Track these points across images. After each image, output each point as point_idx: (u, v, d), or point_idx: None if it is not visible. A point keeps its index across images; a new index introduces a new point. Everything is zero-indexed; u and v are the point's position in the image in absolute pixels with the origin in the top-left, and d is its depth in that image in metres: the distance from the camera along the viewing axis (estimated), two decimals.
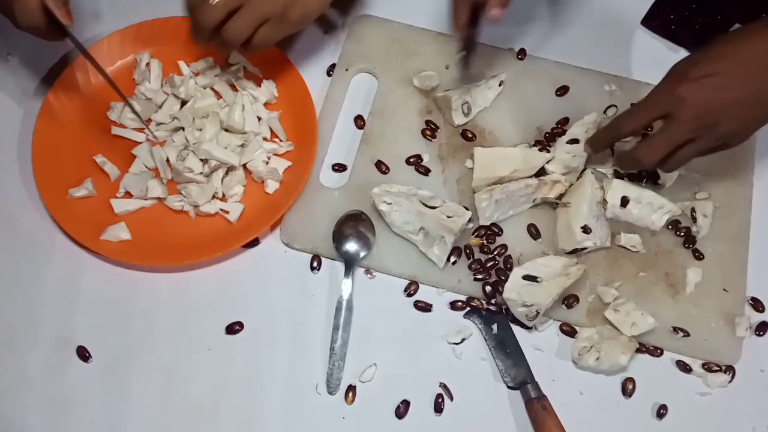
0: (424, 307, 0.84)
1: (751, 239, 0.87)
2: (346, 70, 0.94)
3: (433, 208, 0.83)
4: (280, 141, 0.90)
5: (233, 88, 0.92)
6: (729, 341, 0.83)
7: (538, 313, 0.79)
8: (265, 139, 0.90)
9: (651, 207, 0.86)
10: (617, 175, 0.88)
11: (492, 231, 0.86)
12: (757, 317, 0.85)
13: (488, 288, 0.84)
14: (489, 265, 0.85)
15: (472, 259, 0.85)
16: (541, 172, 0.87)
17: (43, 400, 0.80)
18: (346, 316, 0.82)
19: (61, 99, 0.90)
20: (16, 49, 0.96)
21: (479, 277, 0.84)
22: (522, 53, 0.95)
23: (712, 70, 0.72)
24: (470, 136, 0.91)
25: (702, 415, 0.81)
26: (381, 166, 0.89)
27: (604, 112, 0.92)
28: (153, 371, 0.81)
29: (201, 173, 0.86)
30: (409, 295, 0.84)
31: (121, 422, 0.79)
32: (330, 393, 0.81)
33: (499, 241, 0.86)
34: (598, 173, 0.89)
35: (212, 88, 0.92)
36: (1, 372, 0.81)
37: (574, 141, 0.88)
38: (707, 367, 0.82)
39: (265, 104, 0.92)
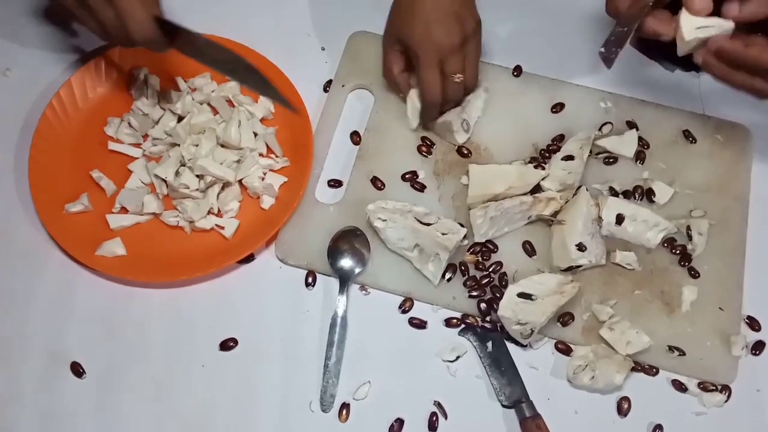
0: (418, 324, 0.84)
1: (747, 257, 0.87)
2: (343, 86, 0.94)
3: (428, 225, 0.83)
4: (276, 157, 0.91)
5: (230, 103, 0.92)
6: (725, 360, 0.82)
7: (533, 331, 0.79)
8: (261, 154, 0.90)
9: (646, 224, 0.86)
10: (612, 193, 0.88)
11: (487, 248, 0.86)
12: (754, 336, 0.84)
13: (483, 305, 0.83)
14: (484, 282, 0.84)
15: (467, 276, 0.85)
16: (537, 189, 0.87)
17: (35, 415, 0.80)
18: (341, 333, 0.82)
19: (58, 114, 0.91)
20: (15, 64, 0.96)
21: (474, 294, 0.84)
22: (518, 70, 0.95)
23: None
24: (466, 152, 0.91)
25: None
26: (376, 182, 0.89)
27: (599, 129, 0.92)
28: (146, 387, 0.81)
29: (197, 189, 0.86)
30: (404, 311, 0.84)
31: None
32: (324, 410, 0.80)
33: (494, 258, 0.86)
34: (594, 190, 0.89)
35: (209, 104, 0.92)
36: None
37: (570, 158, 0.88)
38: (703, 386, 0.81)
39: (262, 120, 0.92)
